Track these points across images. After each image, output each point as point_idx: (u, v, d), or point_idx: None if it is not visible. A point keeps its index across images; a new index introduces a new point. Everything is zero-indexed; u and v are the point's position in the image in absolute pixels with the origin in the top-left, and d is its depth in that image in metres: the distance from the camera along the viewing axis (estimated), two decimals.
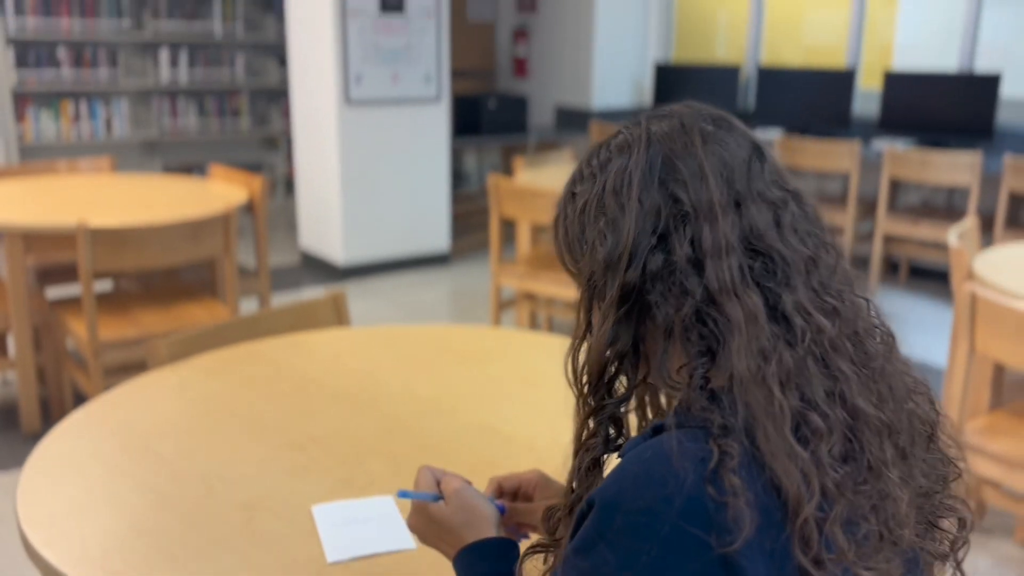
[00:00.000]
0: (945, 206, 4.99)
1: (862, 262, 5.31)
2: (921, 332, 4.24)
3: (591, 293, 0.80)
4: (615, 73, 6.32)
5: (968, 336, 2.15)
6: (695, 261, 0.74)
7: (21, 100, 5.74)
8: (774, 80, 5.53)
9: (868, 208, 4.99)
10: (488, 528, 0.89)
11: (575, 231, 0.82)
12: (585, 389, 0.81)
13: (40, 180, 3.52)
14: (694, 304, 0.73)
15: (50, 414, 3.07)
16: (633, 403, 0.83)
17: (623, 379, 0.80)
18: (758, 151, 0.80)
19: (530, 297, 3.73)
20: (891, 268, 5.31)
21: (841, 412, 0.72)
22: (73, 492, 1.19)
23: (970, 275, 2.43)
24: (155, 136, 6.24)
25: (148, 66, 6.18)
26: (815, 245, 0.77)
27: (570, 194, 0.84)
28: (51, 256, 3.43)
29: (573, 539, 0.72)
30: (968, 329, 2.14)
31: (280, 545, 1.08)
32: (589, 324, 0.81)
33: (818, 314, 0.74)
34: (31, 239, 2.88)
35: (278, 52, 6.66)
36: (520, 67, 6.76)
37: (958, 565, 0.82)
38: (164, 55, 6.14)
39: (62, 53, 5.80)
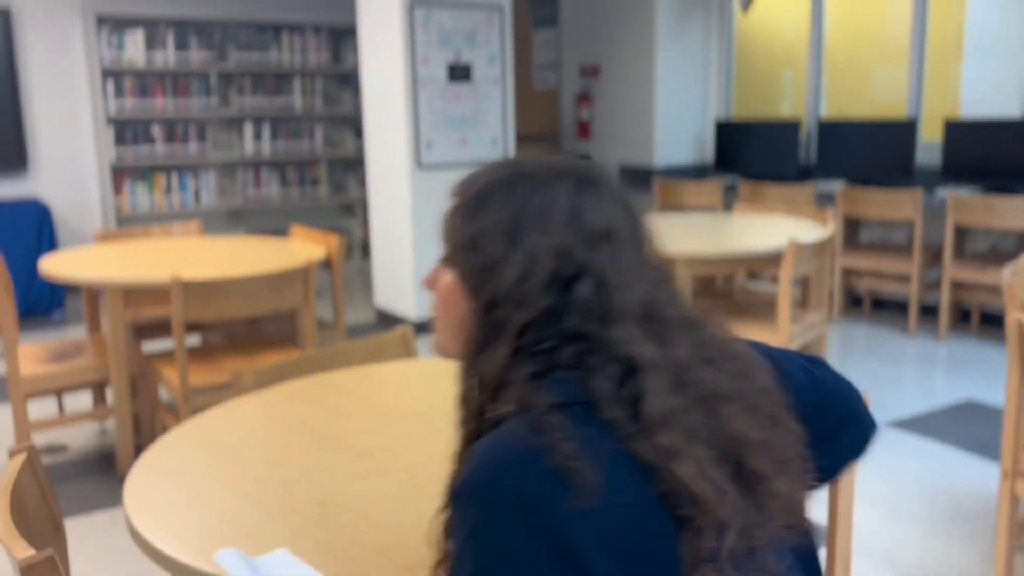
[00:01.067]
0: (1014, 251, 4.94)
1: (930, 310, 5.27)
2: (995, 378, 4.18)
3: (484, 313, 0.90)
4: (677, 132, 6.47)
5: (1020, 366, 2.18)
6: (572, 301, 0.87)
7: (119, 174, 6.19)
8: (835, 133, 5.61)
9: (935, 256, 4.98)
10: None
11: (476, 242, 0.91)
12: (480, 399, 0.91)
13: (136, 243, 3.82)
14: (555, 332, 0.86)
15: None
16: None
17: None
18: (627, 211, 0.93)
19: None
20: (963, 315, 5.25)
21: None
22: (171, 491, 1.35)
23: (1023, 308, 2.46)
24: (240, 205, 6.62)
25: (234, 140, 6.60)
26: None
27: (486, 198, 0.92)
28: (146, 313, 3.70)
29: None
30: (1019, 359, 2.18)
31: (349, 531, 1.22)
32: (479, 337, 0.91)
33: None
34: (129, 296, 3.13)
35: (354, 124, 7.04)
36: (583, 129, 6.99)
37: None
38: (248, 129, 6.55)
39: (156, 130, 6.25)
